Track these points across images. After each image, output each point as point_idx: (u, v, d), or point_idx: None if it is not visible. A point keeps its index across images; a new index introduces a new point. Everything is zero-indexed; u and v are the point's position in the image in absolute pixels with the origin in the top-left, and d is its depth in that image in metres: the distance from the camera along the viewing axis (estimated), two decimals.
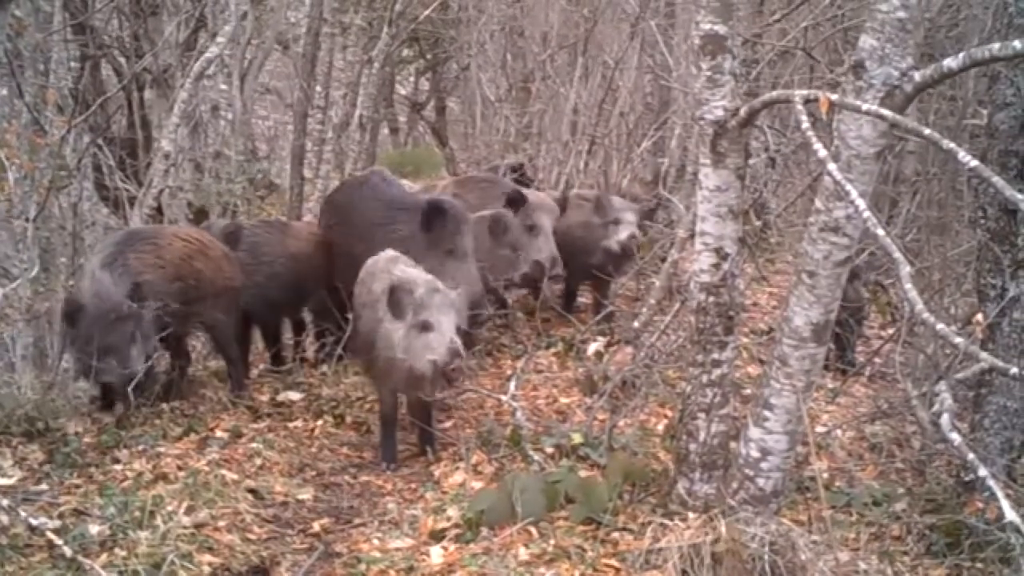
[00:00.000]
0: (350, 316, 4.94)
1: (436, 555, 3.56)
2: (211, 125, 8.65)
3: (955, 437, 3.00)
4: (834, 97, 2.87)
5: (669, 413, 4.75)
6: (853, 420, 4.91)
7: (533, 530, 3.65)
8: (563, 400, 5.27)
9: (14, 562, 3.29)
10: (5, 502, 3.44)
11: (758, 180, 7.01)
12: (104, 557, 3.37)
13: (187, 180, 8.15)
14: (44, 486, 3.91)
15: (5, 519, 3.40)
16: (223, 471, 4.17)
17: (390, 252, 4.82)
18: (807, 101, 2.95)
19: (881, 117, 2.84)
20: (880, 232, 2.57)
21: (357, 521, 4.04)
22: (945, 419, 3.19)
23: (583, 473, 4.04)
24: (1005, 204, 3.61)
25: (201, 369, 5.66)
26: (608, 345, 5.72)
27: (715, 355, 3.56)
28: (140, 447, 4.35)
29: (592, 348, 5.53)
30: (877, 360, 5.67)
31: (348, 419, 5.06)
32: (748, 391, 4.62)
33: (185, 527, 3.61)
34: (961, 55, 2.82)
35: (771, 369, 3.41)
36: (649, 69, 9.22)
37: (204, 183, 8.20)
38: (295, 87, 9.17)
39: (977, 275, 3.91)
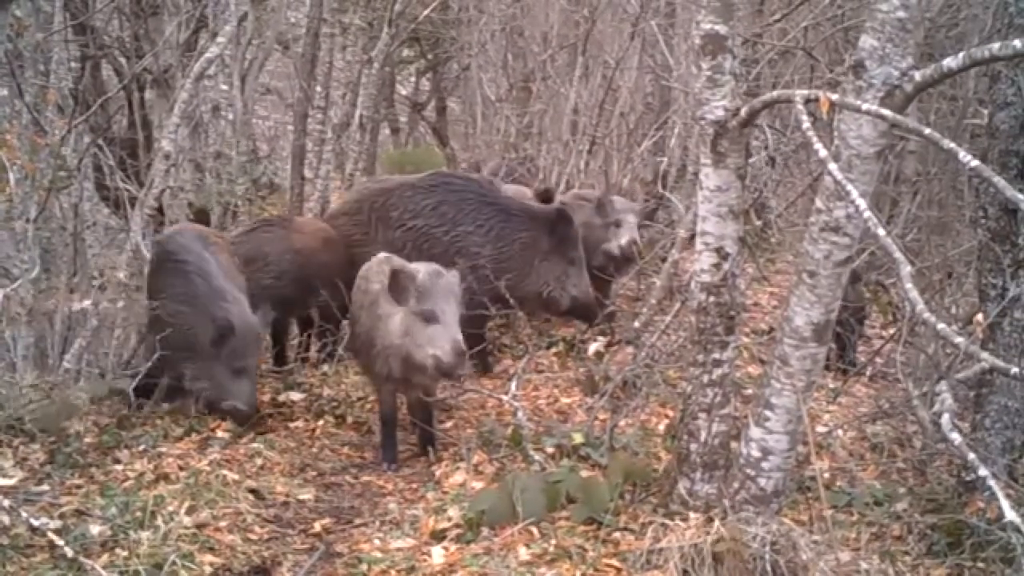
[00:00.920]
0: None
1: (437, 555, 3.56)
2: (212, 125, 8.64)
3: (956, 437, 3.00)
4: (834, 97, 2.87)
5: (670, 413, 4.75)
6: (854, 420, 4.91)
7: (534, 530, 3.65)
8: (564, 400, 5.28)
9: (15, 562, 3.29)
10: (6, 502, 3.44)
11: (758, 180, 7.02)
12: (105, 557, 3.37)
13: (188, 180, 8.15)
14: (45, 486, 3.91)
15: (6, 519, 3.40)
16: (224, 471, 4.17)
17: (383, 254, 4.81)
18: (807, 101, 2.95)
19: (881, 117, 2.84)
20: (881, 232, 2.57)
21: (358, 521, 4.04)
22: (946, 419, 3.19)
23: (584, 473, 4.04)
24: (1006, 204, 3.61)
25: None
26: (609, 345, 5.73)
27: (716, 355, 3.56)
28: (141, 447, 4.36)
29: (593, 348, 5.53)
30: (878, 360, 5.67)
31: (349, 419, 5.06)
32: (749, 391, 4.62)
33: (186, 527, 3.61)
34: (961, 55, 2.82)
35: (772, 369, 3.41)
36: (649, 69, 9.22)
37: (205, 183, 8.20)
38: (295, 87, 9.18)
39: (978, 275, 3.91)
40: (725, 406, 3.61)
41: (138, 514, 3.63)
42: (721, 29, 3.37)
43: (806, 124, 2.86)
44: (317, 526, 3.98)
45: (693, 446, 3.63)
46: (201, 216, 7.44)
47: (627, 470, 3.87)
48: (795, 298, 3.31)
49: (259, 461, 4.42)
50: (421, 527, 3.81)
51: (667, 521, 3.47)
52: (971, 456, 2.80)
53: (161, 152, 5.34)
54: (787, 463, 3.50)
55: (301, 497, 4.22)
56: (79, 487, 3.95)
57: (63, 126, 5.88)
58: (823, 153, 2.81)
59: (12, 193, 5.21)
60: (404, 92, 14.87)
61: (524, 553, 3.51)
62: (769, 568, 3.20)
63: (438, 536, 3.71)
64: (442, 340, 4.15)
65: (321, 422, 4.99)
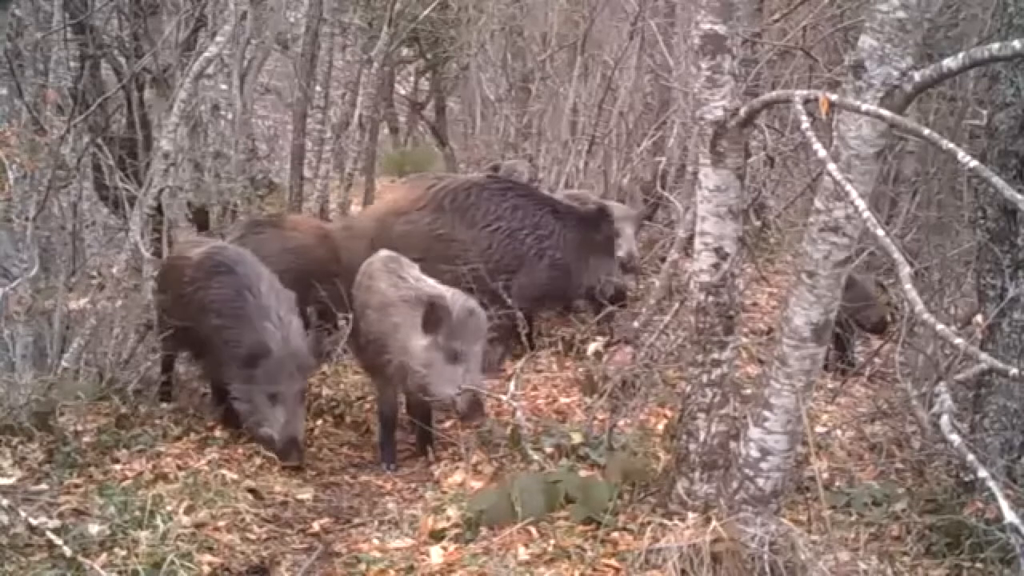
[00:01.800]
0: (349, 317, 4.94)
1: (436, 555, 3.56)
2: (211, 125, 8.64)
3: (955, 438, 2.98)
4: (834, 97, 2.86)
5: (669, 413, 4.74)
6: (853, 420, 4.91)
7: (533, 530, 3.65)
8: (563, 400, 5.27)
9: (14, 562, 3.29)
10: (5, 502, 3.44)
11: (757, 180, 7.02)
12: (104, 557, 3.37)
13: (187, 180, 8.14)
14: (44, 486, 3.90)
15: (5, 519, 3.40)
16: (223, 471, 4.17)
17: (385, 252, 4.81)
18: (807, 101, 2.94)
19: (880, 117, 2.84)
20: (880, 232, 2.56)
21: (357, 521, 4.04)
22: (945, 419, 3.18)
23: (583, 473, 4.04)
24: (1005, 204, 3.61)
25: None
26: (608, 345, 5.73)
27: (715, 355, 3.56)
28: (140, 447, 4.35)
29: (592, 348, 5.52)
30: (877, 360, 5.67)
31: (348, 419, 5.06)
32: (748, 391, 4.61)
33: (185, 527, 3.61)
34: (961, 55, 2.82)
35: (771, 369, 3.40)
36: (649, 69, 9.22)
37: (204, 183, 8.19)
38: (294, 87, 9.18)
39: (977, 275, 3.92)
40: (724, 406, 3.61)
41: (137, 513, 3.63)
42: (720, 29, 3.37)
43: (805, 124, 2.86)
44: (316, 526, 3.98)
45: (692, 446, 3.63)
46: (200, 215, 7.44)
47: (626, 470, 3.87)
48: (794, 298, 3.30)
49: (258, 460, 4.42)
50: (420, 527, 3.81)
51: (666, 521, 3.47)
52: (970, 457, 2.79)
53: (160, 151, 5.33)
54: (786, 463, 3.50)
55: (300, 497, 4.22)
56: (78, 486, 3.94)
57: (62, 125, 5.87)
58: (822, 153, 2.80)
59: (11, 192, 5.20)
60: (403, 92, 14.88)
61: (523, 553, 3.50)
62: (768, 568, 3.20)
63: (437, 536, 3.71)
64: (462, 385, 4.21)
65: (320, 422, 4.99)
